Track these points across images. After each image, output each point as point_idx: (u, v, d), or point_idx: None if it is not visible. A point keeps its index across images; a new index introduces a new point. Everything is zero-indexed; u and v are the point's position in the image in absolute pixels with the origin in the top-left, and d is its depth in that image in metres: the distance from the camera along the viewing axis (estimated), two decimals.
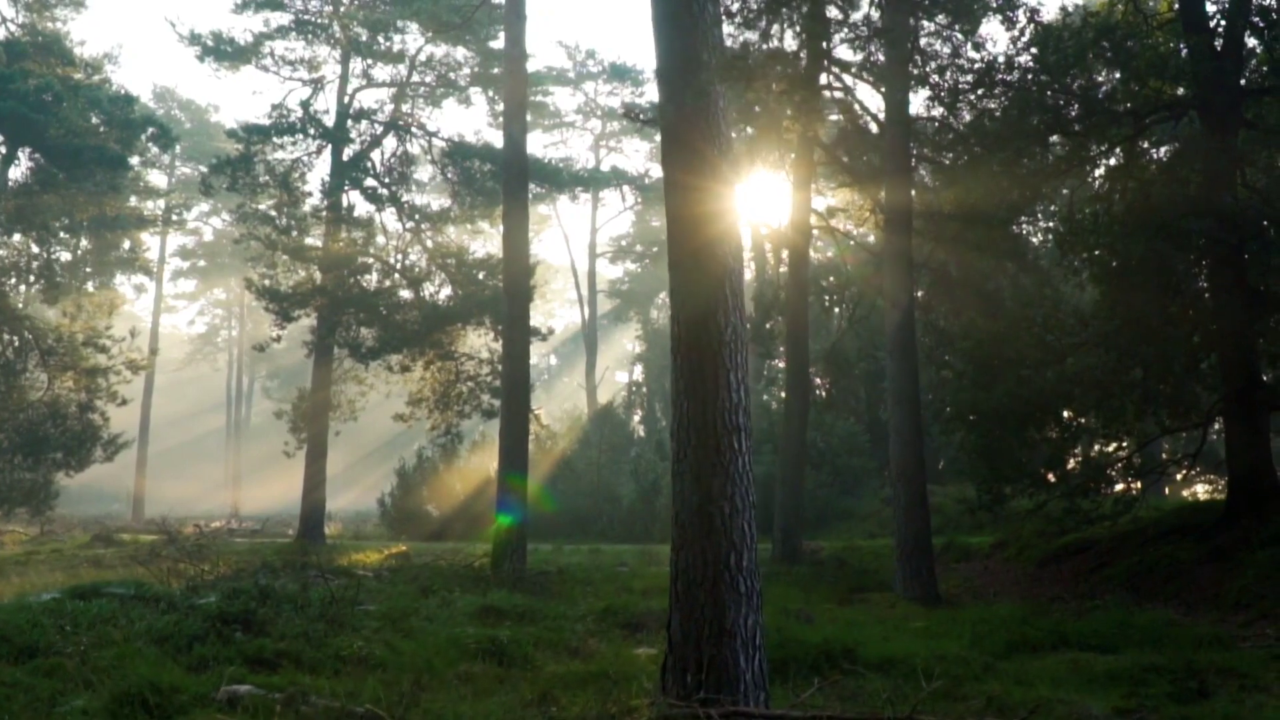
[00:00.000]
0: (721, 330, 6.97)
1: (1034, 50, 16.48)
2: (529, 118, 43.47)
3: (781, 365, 29.33)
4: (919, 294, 21.25)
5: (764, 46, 19.26)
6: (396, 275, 27.49)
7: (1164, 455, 21.45)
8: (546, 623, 10.21)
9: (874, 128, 19.74)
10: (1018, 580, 16.90)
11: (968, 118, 17.86)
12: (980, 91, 17.19)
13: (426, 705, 6.58)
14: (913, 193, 18.81)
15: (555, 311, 74.67)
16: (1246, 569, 12.82)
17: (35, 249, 27.68)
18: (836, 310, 28.20)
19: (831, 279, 25.07)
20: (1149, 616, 11.72)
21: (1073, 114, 16.38)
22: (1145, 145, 18.14)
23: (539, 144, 45.90)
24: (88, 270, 34.59)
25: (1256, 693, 8.29)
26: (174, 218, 41.14)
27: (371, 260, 27.69)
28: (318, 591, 9.57)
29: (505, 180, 17.59)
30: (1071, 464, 17.35)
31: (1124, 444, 16.73)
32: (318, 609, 8.54)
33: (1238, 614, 11.90)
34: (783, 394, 24.24)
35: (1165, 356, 13.57)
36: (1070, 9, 21.29)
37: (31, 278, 28.12)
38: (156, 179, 45.41)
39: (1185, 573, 13.84)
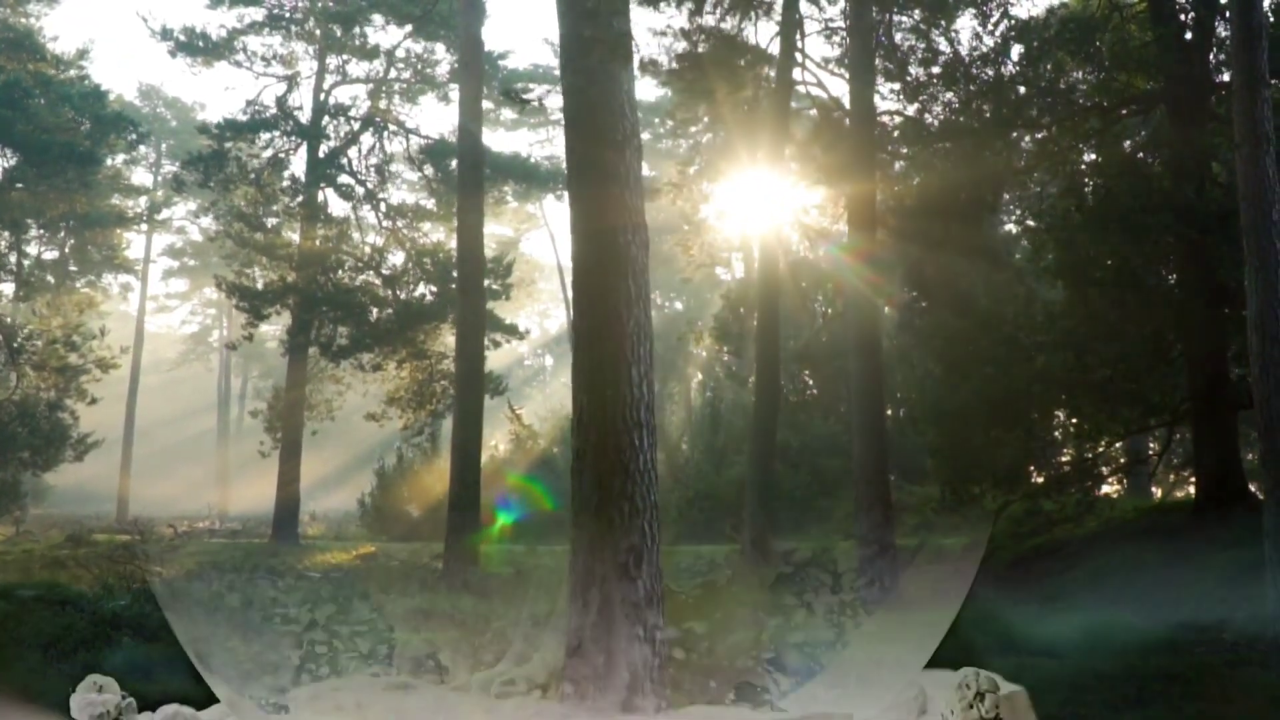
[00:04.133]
0: (624, 322, 6.69)
1: (1002, 42, 16.20)
2: (514, 115, 43.33)
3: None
4: (912, 293, 21.01)
5: (739, 36, 19.16)
6: (372, 273, 27.16)
7: (1152, 454, 21.04)
8: (474, 625, 9.89)
9: (848, 122, 19.44)
10: (987, 582, 16.55)
11: (938, 112, 17.57)
12: (949, 86, 16.89)
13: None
14: (889, 188, 18.51)
15: (550, 311, 74.28)
16: (1209, 571, 12.53)
17: (7, 246, 27.34)
18: (826, 310, 27.85)
19: (806, 280, 24.76)
20: (1106, 620, 11.44)
21: (1042, 108, 16.08)
22: (1124, 140, 17.81)
23: (524, 142, 45.60)
24: (72, 269, 34.23)
25: (1197, 701, 8.02)
26: (156, 216, 40.70)
27: (346, 258, 27.36)
28: (235, 595, 9.25)
29: (460, 174, 17.35)
30: (1042, 463, 17.02)
31: (1095, 444, 16.38)
32: (225, 613, 8.23)
33: (1197, 618, 11.62)
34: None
35: (1128, 355, 13.26)
36: (1049, 7, 21.01)
37: (3, 274, 27.77)
38: (141, 176, 45.10)
39: (1149, 575, 13.54)
